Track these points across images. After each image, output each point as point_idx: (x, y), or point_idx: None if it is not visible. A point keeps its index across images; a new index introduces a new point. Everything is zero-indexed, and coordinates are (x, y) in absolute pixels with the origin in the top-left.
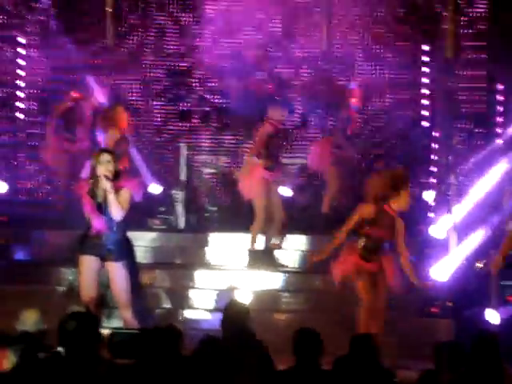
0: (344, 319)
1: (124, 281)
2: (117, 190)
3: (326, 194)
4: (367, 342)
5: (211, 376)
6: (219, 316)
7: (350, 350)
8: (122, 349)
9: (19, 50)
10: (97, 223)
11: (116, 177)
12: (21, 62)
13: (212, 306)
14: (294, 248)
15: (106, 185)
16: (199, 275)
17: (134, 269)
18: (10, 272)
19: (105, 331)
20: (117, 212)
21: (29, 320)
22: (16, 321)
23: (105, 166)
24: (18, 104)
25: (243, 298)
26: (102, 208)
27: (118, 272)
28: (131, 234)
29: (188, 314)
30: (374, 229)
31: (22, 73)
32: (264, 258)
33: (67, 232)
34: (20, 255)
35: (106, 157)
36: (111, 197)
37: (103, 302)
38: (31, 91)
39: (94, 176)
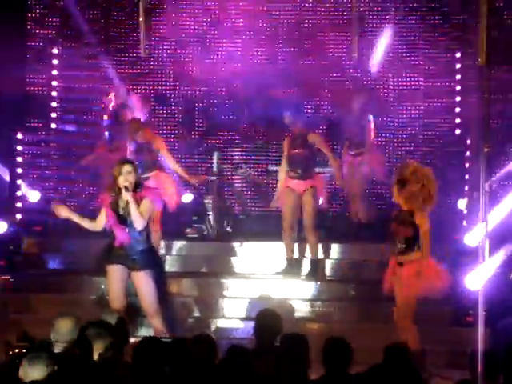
0: (377, 328)
1: (150, 290)
2: (137, 201)
3: (355, 201)
4: (401, 351)
5: None
6: (251, 325)
7: (383, 359)
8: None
9: (54, 61)
10: (120, 235)
11: (137, 187)
12: (54, 72)
13: (244, 314)
14: (327, 257)
15: (126, 196)
16: (231, 284)
17: (160, 278)
18: (44, 281)
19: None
20: (138, 222)
21: (63, 328)
22: (50, 329)
23: (125, 177)
24: (51, 114)
25: (275, 306)
26: (124, 219)
27: (143, 281)
28: (165, 244)
29: (220, 323)
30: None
31: (55, 83)
32: (299, 267)
33: (98, 241)
34: (53, 264)
35: (126, 168)
36: (132, 207)
37: (133, 310)
38: (64, 101)
39: (115, 187)
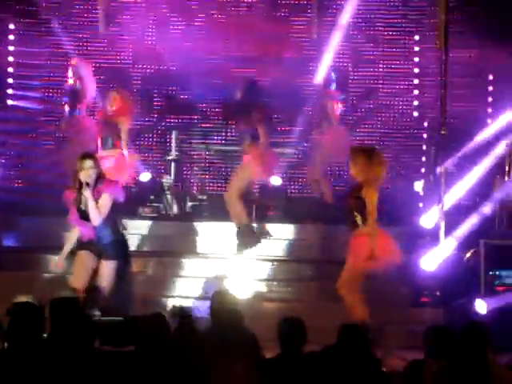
0: (334, 308)
1: (110, 279)
2: (98, 195)
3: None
4: (356, 330)
5: (192, 363)
6: (207, 304)
7: (338, 338)
8: (108, 336)
9: (10, 36)
10: (85, 231)
11: (98, 180)
12: (10, 47)
13: (200, 293)
14: (283, 237)
15: (86, 192)
16: (188, 263)
17: (125, 267)
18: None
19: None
20: (95, 218)
21: None
22: (5, 307)
23: (86, 172)
24: (8, 91)
25: (231, 286)
26: (87, 215)
27: (107, 270)
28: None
29: (177, 302)
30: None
31: (11, 59)
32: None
33: (53, 219)
34: (7, 242)
35: (87, 163)
36: (90, 204)
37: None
38: (21, 78)
39: (76, 182)
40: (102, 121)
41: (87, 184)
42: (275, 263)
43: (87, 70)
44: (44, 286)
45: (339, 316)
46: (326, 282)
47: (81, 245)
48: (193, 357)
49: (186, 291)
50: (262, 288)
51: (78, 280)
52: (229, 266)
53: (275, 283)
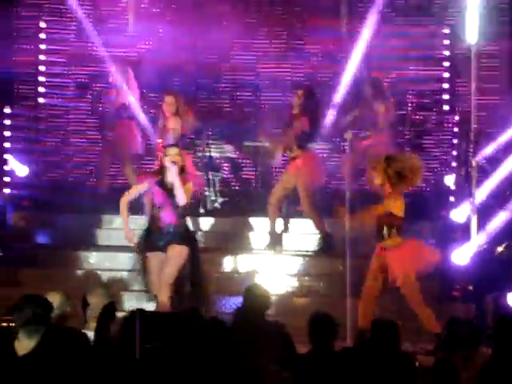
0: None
1: (176, 264)
2: (183, 183)
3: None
4: (387, 326)
5: (222, 358)
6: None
7: (370, 334)
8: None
9: (41, 35)
10: (167, 214)
11: (181, 171)
12: (42, 46)
13: (232, 289)
14: (315, 232)
15: (172, 170)
16: (219, 259)
17: (193, 255)
18: (31, 255)
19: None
20: (181, 197)
21: (52, 302)
22: None
23: (171, 157)
24: (39, 89)
25: (263, 281)
26: (171, 197)
27: (175, 253)
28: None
29: (214, 298)
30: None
31: (42, 57)
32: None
33: (86, 216)
34: (41, 239)
35: (172, 150)
36: (176, 182)
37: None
38: (52, 76)
39: (161, 168)
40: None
41: (174, 163)
42: (307, 258)
43: (127, 75)
44: (78, 283)
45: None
46: (358, 276)
47: (148, 241)
48: (224, 352)
49: (218, 286)
50: (294, 283)
51: (156, 285)
52: (260, 262)
53: (307, 278)
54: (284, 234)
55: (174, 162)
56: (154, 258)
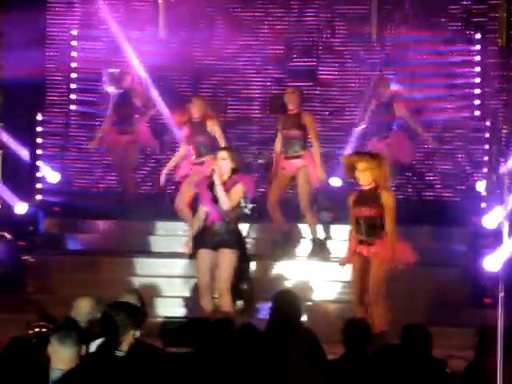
0: (396, 309)
1: (229, 269)
2: (232, 184)
3: None
4: (419, 331)
5: (251, 364)
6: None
7: (402, 339)
8: (173, 337)
9: (73, 42)
10: (212, 213)
11: (233, 172)
12: (74, 53)
13: (264, 294)
14: (345, 238)
15: (213, 177)
16: (250, 265)
17: (243, 261)
18: (62, 261)
19: (158, 320)
20: (223, 203)
21: (83, 308)
22: (70, 309)
23: (217, 162)
24: (71, 96)
25: (295, 287)
26: (217, 199)
27: (226, 259)
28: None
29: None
30: (355, 209)
31: (74, 64)
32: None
33: (116, 222)
34: (71, 245)
35: (221, 154)
36: (218, 187)
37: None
38: (84, 83)
39: (212, 170)
40: (190, 129)
41: (213, 170)
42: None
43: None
44: (105, 289)
45: (402, 317)
46: (391, 282)
47: (201, 239)
48: (254, 358)
49: (248, 294)
50: (326, 289)
51: (203, 280)
52: (292, 267)
53: (339, 284)
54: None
55: (213, 170)
56: (205, 254)
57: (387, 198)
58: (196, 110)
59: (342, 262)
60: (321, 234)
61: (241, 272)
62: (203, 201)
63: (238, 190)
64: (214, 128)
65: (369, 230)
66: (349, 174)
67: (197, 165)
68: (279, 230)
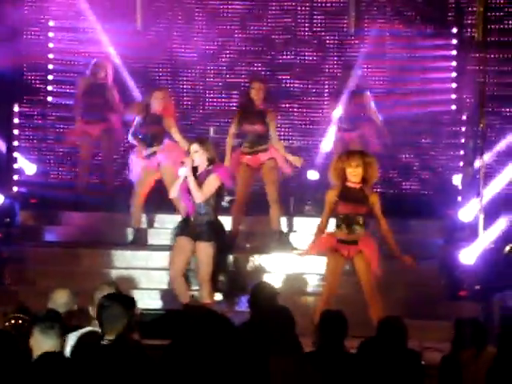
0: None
1: (207, 261)
2: (207, 174)
3: None
4: (394, 324)
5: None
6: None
7: (377, 332)
8: (151, 329)
9: (49, 33)
10: (187, 205)
11: (210, 163)
12: (50, 45)
13: (240, 287)
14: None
15: (185, 171)
16: (229, 258)
17: (222, 252)
18: (39, 253)
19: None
20: (196, 195)
21: (60, 300)
22: (47, 301)
23: (191, 155)
24: (48, 87)
25: (270, 280)
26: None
27: (204, 252)
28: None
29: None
30: (340, 206)
31: (51, 56)
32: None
33: (93, 213)
34: (49, 236)
35: (193, 147)
36: (190, 180)
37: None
38: (60, 74)
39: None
40: (145, 119)
41: (183, 163)
42: (313, 257)
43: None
44: (85, 281)
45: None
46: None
47: (179, 227)
48: (232, 350)
49: (226, 285)
50: (301, 282)
51: (174, 266)
52: (267, 260)
53: (314, 276)
54: (291, 233)
55: (182, 163)
56: (184, 241)
57: (375, 198)
58: (156, 102)
59: (303, 254)
60: (285, 227)
61: (218, 263)
62: (181, 189)
63: (211, 181)
64: (170, 124)
65: (350, 227)
66: (337, 175)
67: (146, 158)
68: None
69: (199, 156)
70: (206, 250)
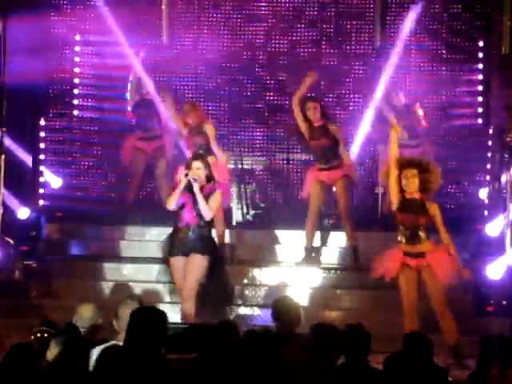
0: (397, 316)
1: (197, 274)
2: (211, 192)
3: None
4: (420, 339)
5: (258, 369)
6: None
7: (403, 347)
8: (173, 343)
9: (76, 47)
10: (188, 215)
11: (209, 180)
12: (76, 59)
13: (265, 302)
14: (345, 245)
15: (194, 187)
16: (250, 271)
17: (214, 268)
18: (65, 267)
19: None
20: (206, 213)
21: (85, 314)
22: (72, 315)
23: (194, 172)
24: (74, 101)
25: (294, 294)
26: (191, 198)
27: (194, 264)
28: None
29: (242, 310)
30: (402, 215)
31: (77, 70)
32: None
33: (119, 227)
34: (74, 250)
35: (195, 164)
36: (199, 198)
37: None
38: (87, 88)
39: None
40: (188, 134)
41: (195, 180)
42: (337, 272)
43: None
44: (108, 294)
45: (400, 325)
46: (388, 290)
47: (172, 246)
48: (257, 364)
49: (249, 299)
50: (324, 296)
51: (182, 288)
52: (291, 274)
53: (338, 291)
54: (318, 247)
55: (195, 180)
56: (177, 262)
57: (434, 209)
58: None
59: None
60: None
61: (215, 278)
62: (183, 201)
63: (216, 197)
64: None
65: (413, 239)
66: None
67: None
68: None
69: (202, 173)
70: (198, 262)
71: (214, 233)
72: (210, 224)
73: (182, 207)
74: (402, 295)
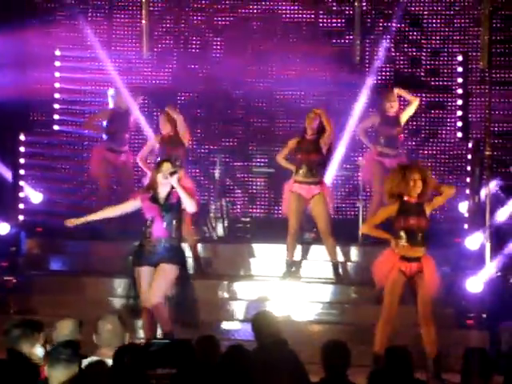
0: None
1: (164, 284)
2: (179, 197)
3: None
4: (402, 354)
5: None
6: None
7: (385, 362)
8: (157, 358)
9: (56, 62)
10: (158, 228)
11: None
12: (56, 74)
13: (245, 316)
14: (326, 259)
15: (173, 180)
16: (232, 285)
17: (182, 278)
18: (45, 282)
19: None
20: (191, 204)
21: (64, 330)
22: (52, 330)
23: (166, 171)
24: (54, 116)
25: (277, 308)
26: (164, 211)
27: (162, 273)
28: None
29: (223, 325)
30: (404, 219)
31: (57, 85)
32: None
33: (98, 242)
34: (54, 265)
35: (165, 166)
36: (180, 190)
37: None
38: (67, 103)
39: (154, 185)
40: (163, 143)
41: (173, 173)
42: (322, 285)
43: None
44: (88, 309)
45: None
46: (374, 304)
47: (139, 256)
48: (238, 380)
49: (231, 314)
50: (309, 310)
51: (147, 300)
52: (275, 288)
53: (322, 305)
54: (299, 261)
55: (172, 173)
56: (144, 272)
57: (430, 207)
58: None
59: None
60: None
61: (183, 291)
62: (148, 213)
63: (188, 186)
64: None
65: (413, 242)
66: (398, 184)
67: None
68: None
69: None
70: (167, 271)
71: (184, 246)
72: (179, 235)
73: (151, 221)
74: (384, 302)
